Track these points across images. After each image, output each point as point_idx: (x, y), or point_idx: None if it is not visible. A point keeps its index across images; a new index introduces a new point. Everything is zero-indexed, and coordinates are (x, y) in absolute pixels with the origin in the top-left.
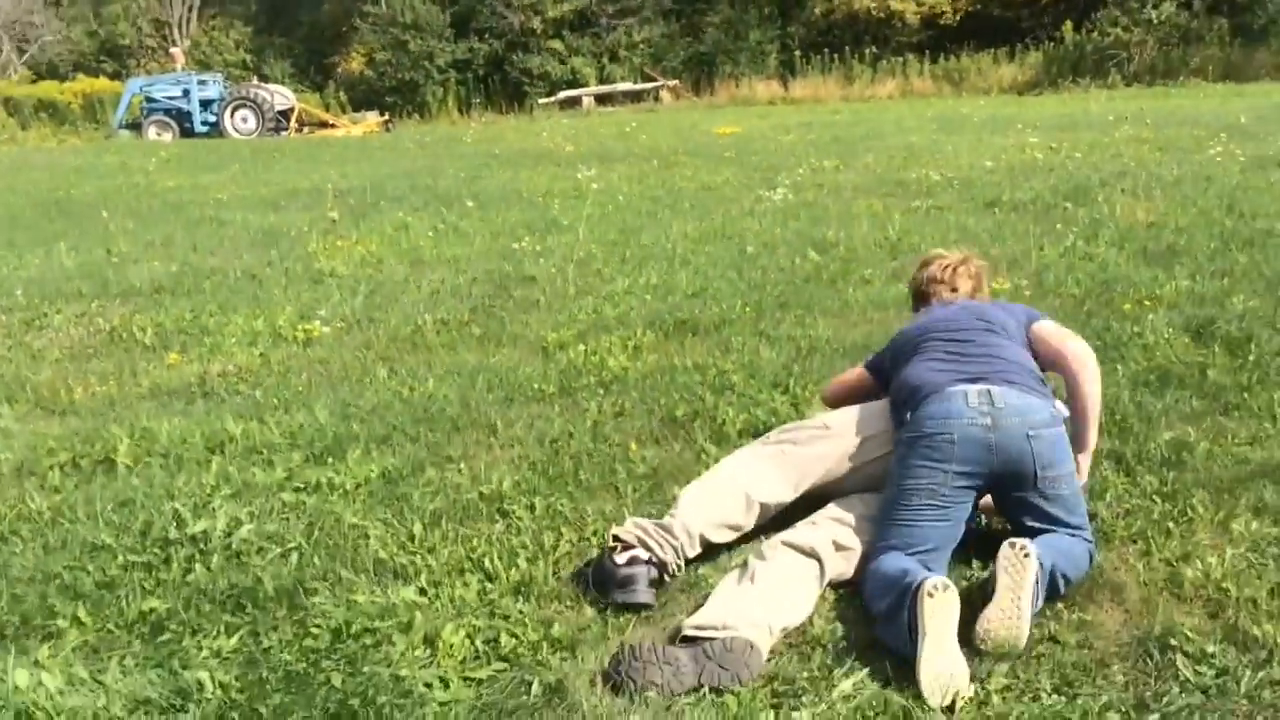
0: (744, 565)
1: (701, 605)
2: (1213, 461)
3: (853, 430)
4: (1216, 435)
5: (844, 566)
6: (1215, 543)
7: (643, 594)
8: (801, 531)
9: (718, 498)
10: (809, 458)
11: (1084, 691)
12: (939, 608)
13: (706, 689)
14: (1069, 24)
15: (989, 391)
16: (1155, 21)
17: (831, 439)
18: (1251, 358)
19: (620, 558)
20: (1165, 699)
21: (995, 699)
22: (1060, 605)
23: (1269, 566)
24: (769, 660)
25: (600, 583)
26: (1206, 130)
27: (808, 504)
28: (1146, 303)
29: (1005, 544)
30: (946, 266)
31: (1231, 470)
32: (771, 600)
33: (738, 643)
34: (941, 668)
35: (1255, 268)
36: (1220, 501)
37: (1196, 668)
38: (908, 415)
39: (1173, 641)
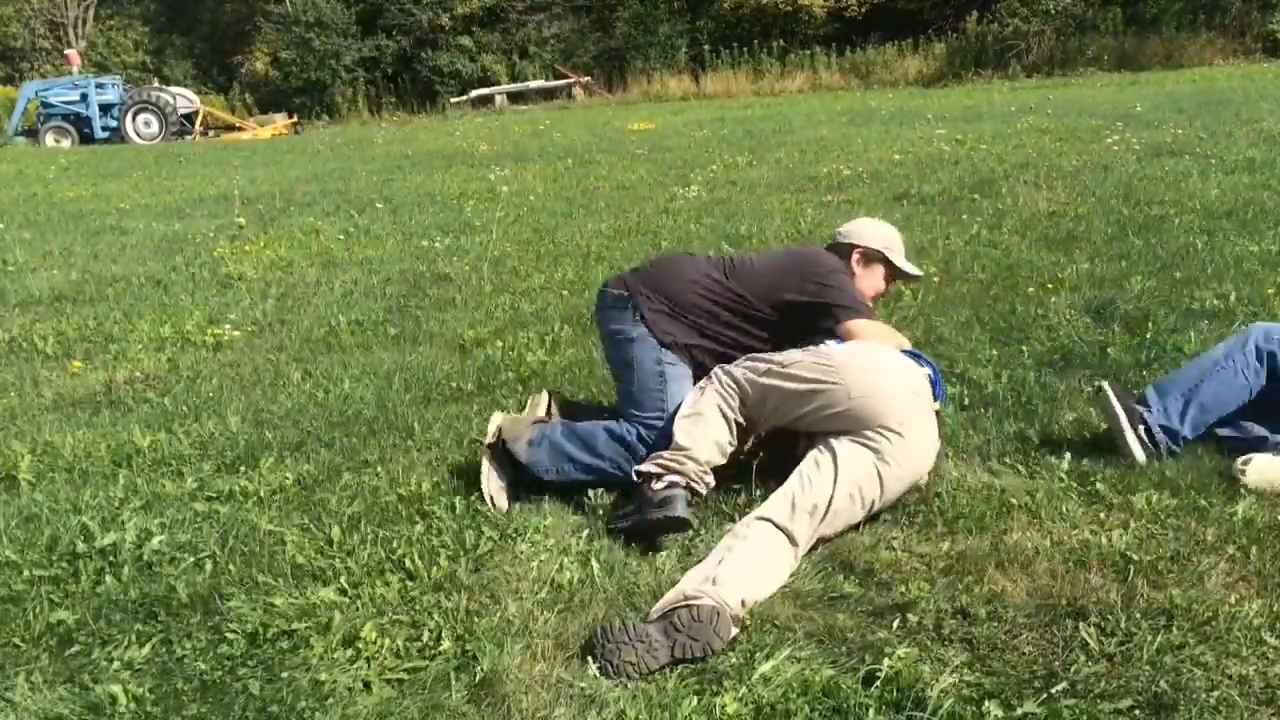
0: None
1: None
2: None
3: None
4: None
5: (824, 529)
6: (1120, 516)
7: (681, 510)
8: (775, 505)
9: (705, 424)
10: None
11: (995, 663)
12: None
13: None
14: (972, 16)
15: None
16: (1053, 11)
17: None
18: (1149, 335)
19: (658, 484)
20: (1073, 668)
21: (904, 670)
22: (970, 578)
23: (1169, 535)
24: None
25: (639, 509)
26: (1104, 120)
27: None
28: (1049, 286)
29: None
30: None
31: None
32: (738, 571)
33: (704, 611)
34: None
35: (1150, 250)
36: (1122, 478)
37: (1102, 636)
38: None
39: (1079, 609)
